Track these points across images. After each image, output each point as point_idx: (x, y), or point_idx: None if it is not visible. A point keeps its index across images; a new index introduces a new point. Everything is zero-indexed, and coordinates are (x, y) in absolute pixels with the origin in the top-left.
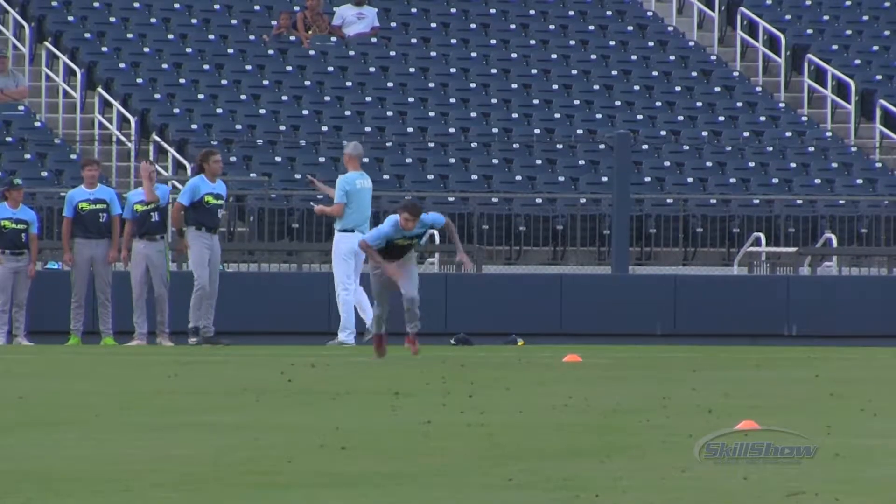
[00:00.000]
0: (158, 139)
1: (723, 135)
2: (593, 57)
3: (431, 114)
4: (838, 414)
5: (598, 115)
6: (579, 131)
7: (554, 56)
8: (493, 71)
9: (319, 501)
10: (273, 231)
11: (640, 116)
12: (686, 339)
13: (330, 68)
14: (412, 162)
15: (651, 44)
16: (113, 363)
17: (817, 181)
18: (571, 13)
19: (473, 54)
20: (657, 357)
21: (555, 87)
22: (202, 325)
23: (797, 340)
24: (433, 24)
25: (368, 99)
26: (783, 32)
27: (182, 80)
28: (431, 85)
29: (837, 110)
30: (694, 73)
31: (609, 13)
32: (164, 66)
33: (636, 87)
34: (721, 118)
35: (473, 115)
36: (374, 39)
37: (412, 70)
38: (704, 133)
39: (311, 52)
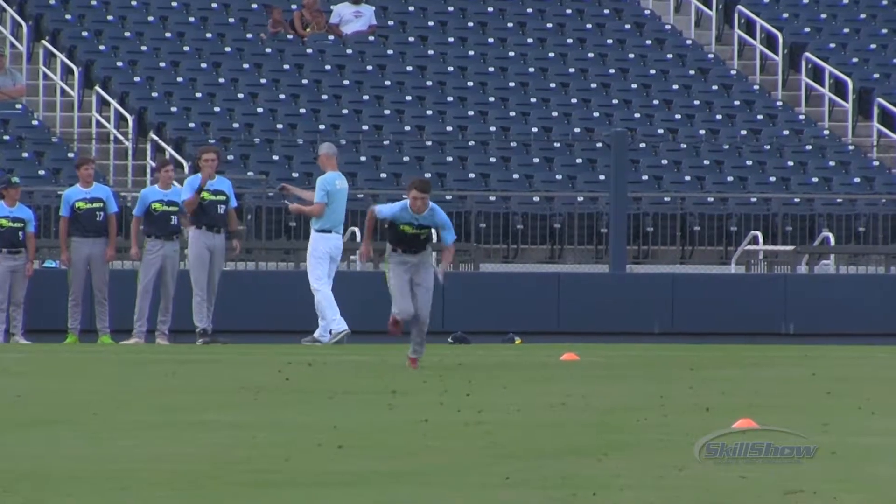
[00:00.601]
0: (156, 137)
1: (720, 133)
2: (591, 55)
3: (429, 112)
4: (835, 412)
5: (596, 114)
6: (577, 129)
7: (551, 54)
8: (491, 69)
9: (317, 500)
10: (270, 230)
11: (637, 115)
12: (683, 338)
13: (327, 66)
14: (409, 160)
15: (648, 42)
16: (111, 362)
17: (815, 179)
18: (569, 11)
19: (471, 53)
20: (655, 356)
21: (552, 85)
22: (205, 325)
23: (794, 339)
24: (431, 23)
25: (366, 97)
26: (781, 31)
27: (180, 79)
28: (429, 83)
29: (835, 109)
30: (691, 72)
31: (606, 11)
32: (162, 64)
33: (634, 86)
34: (718, 116)
35: (471, 113)
36: (371, 38)
37: (410, 68)
38: (702, 131)
39: (309, 51)
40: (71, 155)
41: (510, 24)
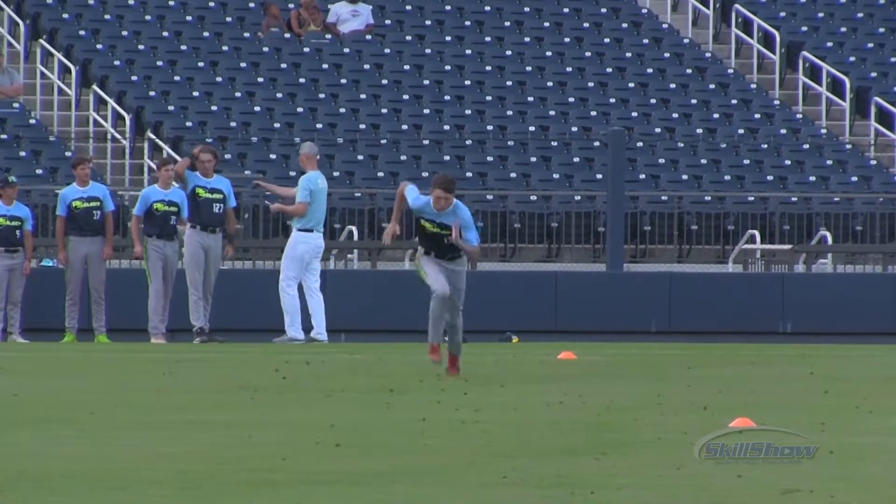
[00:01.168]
0: (153, 136)
1: (717, 132)
2: (588, 54)
3: (426, 111)
4: (833, 411)
5: (593, 113)
6: (574, 128)
7: (549, 53)
8: (488, 68)
9: (314, 499)
10: (268, 229)
11: (634, 114)
12: (681, 337)
13: (325, 65)
14: (407, 159)
15: (646, 41)
16: (108, 361)
17: (812, 178)
18: (566, 10)
19: (468, 51)
20: (652, 354)
21: (550, 84)
22: (202, 323)
23: (792, 338)
24: (428, 22)
25: (363, 96)
26: (778, 30)
27: (177, 78)
28: (426, 82)
29: (832, 108)
30: (689, 71)
31: (604, 10)
32: (159, 63)
33: (631, 85)
34: (716, 115)
35: (468, 112)
36: (368, 37)
37: (407, 67)
38: (699, 130)
39: (306, 50)
40: (68, 154)
41: (507, 23)
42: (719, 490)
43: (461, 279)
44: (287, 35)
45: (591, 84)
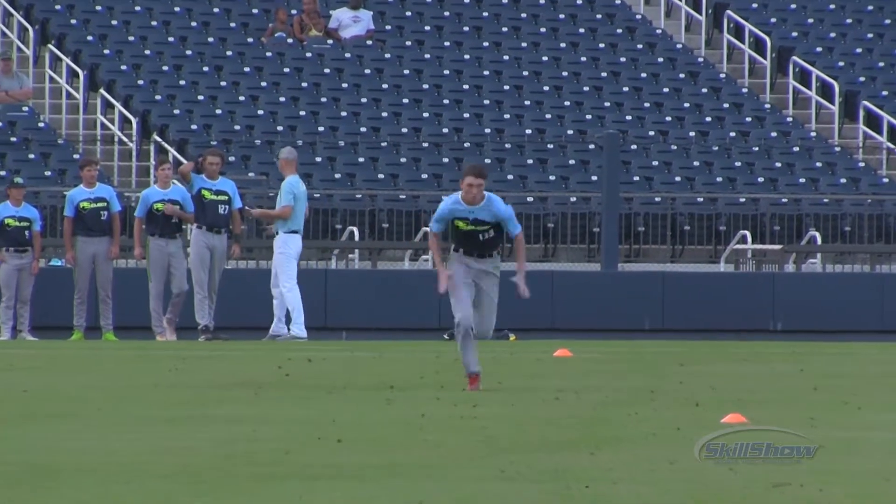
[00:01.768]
0: (159, 139)
1: (710, 135)
2: (583, 59)
3: (425, 114)
4: (822, 407)
5: (588, 116)
6: (570, 131)
7: (545, 58)
8: (486, 73)
9: (317, 492)
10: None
11: (629, 117)
12: (674, 334)
13: (326, 70)
14: (406, 161)
15: (640, 46)
16: (115, 358)
17: (802, 180)
18: (562, 16)
19: (466, 56)
20: (645, 352)
21: (546, 88)
22: (207, 321)
23: (782, 335)
24: (427, 27)
25: (364, 100)
26: (769, 35)
27: (182, 82)
28: (425, 86)
29: (822, 111)
30: (682, 75)
31: (599, 16)
32: (165, 68)
33: (625, 89)
34: (708, 119)
35: (466, 115)
36: (369, 42)
37: (406, 72)
38: (692, 133)
39: (308, 55)
40: (76, 156)
41: (505, 29)
42: (711, 484)
43: (493, 286)
44: (290, 40)
45: (586, 88)
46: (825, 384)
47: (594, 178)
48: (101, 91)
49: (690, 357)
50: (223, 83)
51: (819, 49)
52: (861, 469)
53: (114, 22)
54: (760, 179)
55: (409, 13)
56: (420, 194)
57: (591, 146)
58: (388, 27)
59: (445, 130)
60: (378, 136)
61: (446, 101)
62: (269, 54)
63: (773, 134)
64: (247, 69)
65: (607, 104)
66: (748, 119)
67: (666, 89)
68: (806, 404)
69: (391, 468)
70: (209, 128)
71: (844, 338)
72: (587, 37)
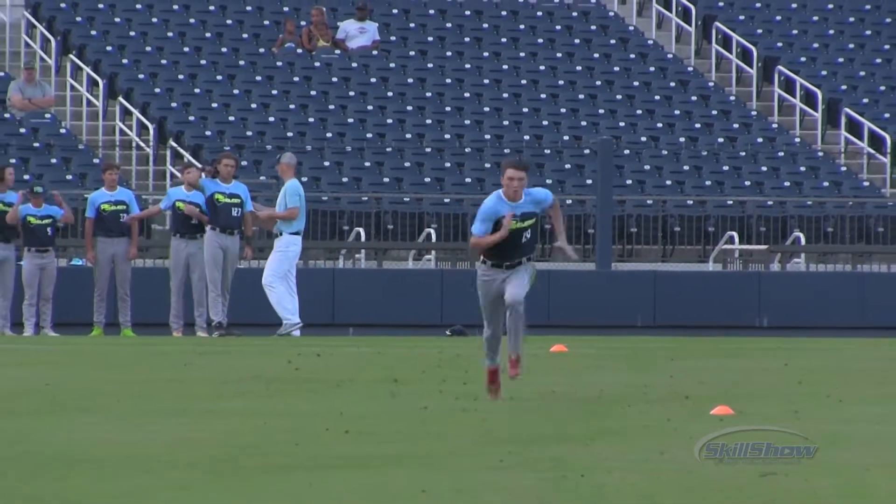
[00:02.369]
0: (175, 145)
1: (699, 140)
2: (579, 68)
3: (428, 121)
4: (806, 400)
5: (584, 122)
6: (566, 137)
7: (542, 67)
8: (486, 81)
9: (325, 482)
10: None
11: (622, 123)
12: (665, 331)
13: (334, 79)
14: (410, 165)
15: (632, 56)
16: (133, 353)
17: (787, 184)
18: (558, 28)
19: (467, 66)
20: (638, 347)
21: (543, 96)
22: (221, 318)
23: (768, 332)
24: (430, 38)
25: (370, 107)
26: (755, 45)
27: (197, 90)
28: (428, 94)
29: (805, 118)
30: (672, 84)
31: (593, 27)
32: (180, 76)
33: (618, 97)
34: (697, 125)
35: (467, 122)
36: (375, 52)
37: (410, 80)
38: (682, 139)
39: (317, 64)
40: (96, 161)
41: (504, 40)
42: (701, 474)
43: (525, 266)
44: (299, 50)
45: (581, 96)
46: (809, 378)
47: (589, 181)
48: (120, 99)
49: (681, 352)
50: (236, 91)
51: (803, 59)
52: (843, 459)
53: (132, 33)
54: (747, 183)
55: (413, 25)
56: (423, 197)
57: (586, 151)
58: (393, 38)
59: (447, 136)
60: (383, 142)
61: (448, 109)
62: (279, 64)
63: (760, 140)
64: (258, 78)
65: (601, 111)
66: (735, 125)
67: (657, 97)
68: (790, 397)
69: (396, 458)
70: (223, 134)
71: (827, 334)
72: (582, 47)
